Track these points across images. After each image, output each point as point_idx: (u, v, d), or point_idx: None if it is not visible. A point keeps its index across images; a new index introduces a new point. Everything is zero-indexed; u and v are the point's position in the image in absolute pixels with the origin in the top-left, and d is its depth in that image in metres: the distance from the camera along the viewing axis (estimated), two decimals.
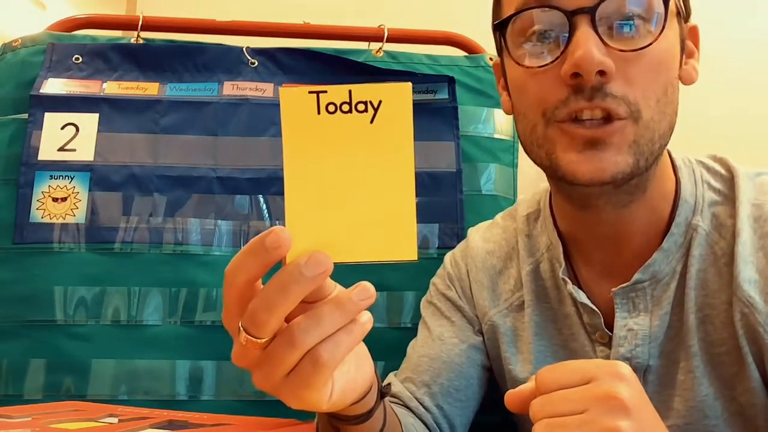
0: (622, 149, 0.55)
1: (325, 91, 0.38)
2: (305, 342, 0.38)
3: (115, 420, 0.53)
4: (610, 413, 0.42)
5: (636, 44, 0.55)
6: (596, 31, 0.54)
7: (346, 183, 0.39)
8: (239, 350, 0.40)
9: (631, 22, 0.55)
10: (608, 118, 0.55)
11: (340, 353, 0.39)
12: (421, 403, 0.71)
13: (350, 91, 0.38)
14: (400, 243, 0.39)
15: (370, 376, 0.48)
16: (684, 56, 0.61)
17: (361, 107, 0.39)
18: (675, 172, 0.64)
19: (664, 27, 0.55)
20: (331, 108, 0.39)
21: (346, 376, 0.43)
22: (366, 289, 0.40)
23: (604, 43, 0.54)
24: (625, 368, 0.45)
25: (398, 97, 0.39)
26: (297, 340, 0.38)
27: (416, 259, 0.39)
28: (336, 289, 0.42)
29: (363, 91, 0.39)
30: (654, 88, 0.56)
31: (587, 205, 0.62)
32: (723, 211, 0.62)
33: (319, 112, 0.39)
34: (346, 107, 0.38)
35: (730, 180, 0.63)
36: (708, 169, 0.65)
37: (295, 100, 0.39)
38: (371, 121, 0.39)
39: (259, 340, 0.39)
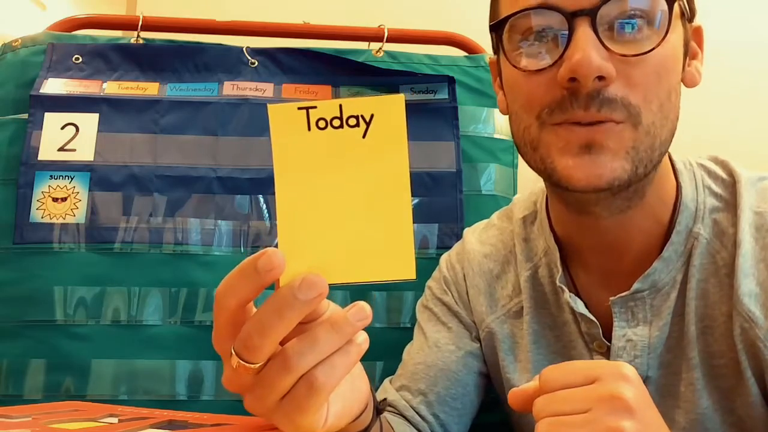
0: (619, 154, 0.53)
1: (315, 107, 0.37)
2: (300, 365, 0.37)
3: (115, 420, 0.53)
4: (614, 413, 0.42)
5: (638, 48, 0.52)
6: (597, 34, 0.51)
7: (339, 201, 0.37)
8: (230, 374, 0.39)
9: (634, 24, 0.52)
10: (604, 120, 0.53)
11: (336, 376, 0.38)
12: (417, 413, 0.70)
13: (341, 106, 0.37)
14: (398, 261, 0.37)
15: (366, 396, 0.47)
16: (687, 58, 0.58)
17: (352, 122, 0.37)
18: (676, 176, 0.62)
19: (668, 30, 0.52)
20: (322, 124, 0.37)
21: (342, 397, 0.42)
22: (362, 309, 0.39)
23: (605, 47, 0.51)
24: (628, 369, 0.45)
25: (391, 110, 0.37)
26: (292, 363, 0.37)
27: (414, 278, 0.37)
28: (330, 307, 0.40)
29: (354, 105, 0.37)
30: (657, 92, 0.53)
31: (584, 211, 0.59)
32: (724, 218, 0.60)
33: (309, 129, 0.37)
34: (337, 122, 0.37)
35: (732, 185, 0.61)
36: (709, 172, 0.63)
37: (284, 118, 0.37)
38: (363, 136, 0.37)
39: (252, 365, 0.37)
